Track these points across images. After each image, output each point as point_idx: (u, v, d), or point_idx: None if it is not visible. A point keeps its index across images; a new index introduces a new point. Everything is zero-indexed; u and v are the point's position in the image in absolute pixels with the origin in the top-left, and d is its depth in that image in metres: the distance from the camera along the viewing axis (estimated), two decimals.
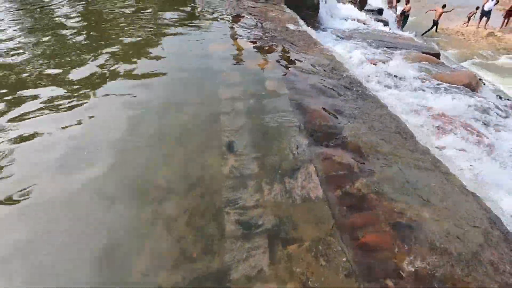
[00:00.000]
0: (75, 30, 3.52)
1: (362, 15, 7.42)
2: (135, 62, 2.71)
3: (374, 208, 1.46)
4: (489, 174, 2.52)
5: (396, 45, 5.46)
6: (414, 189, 1.62)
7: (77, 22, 3.85)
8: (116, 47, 3.03)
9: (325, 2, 6.12)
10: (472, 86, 4.47)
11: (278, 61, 2.83)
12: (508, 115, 3.89)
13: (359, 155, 1.79)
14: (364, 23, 6.89)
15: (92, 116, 2.03)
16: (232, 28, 3.58)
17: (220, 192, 1.52)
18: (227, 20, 3.85)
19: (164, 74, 2.55)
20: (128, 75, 2.50)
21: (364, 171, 1.68)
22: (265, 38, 3.36)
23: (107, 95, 2.28)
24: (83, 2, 4.74)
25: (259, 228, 1.34)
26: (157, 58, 2.80)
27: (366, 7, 9.24)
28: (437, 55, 5.49)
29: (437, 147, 2.75)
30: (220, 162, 1.68)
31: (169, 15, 4.02)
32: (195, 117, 2.04)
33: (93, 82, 2.43)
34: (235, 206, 1.44)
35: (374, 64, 4.41)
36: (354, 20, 6.75)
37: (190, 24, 3.69)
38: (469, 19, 12.28)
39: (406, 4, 11.98)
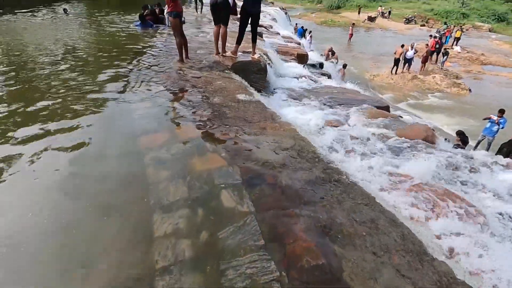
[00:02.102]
0: None
1: (306, 71, 7.60)
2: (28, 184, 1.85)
3: None
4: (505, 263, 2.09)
5: (347, 101, 5.43)
6: None
7: None
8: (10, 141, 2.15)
9: (271, 64, 6.05)
10: (430, 139, 4.43)
11: (233, 153, 2.22)
12: (474, 168, 3.79)
13: None
14: (310, 79, 6.98)
15: None
16: (172, 108, 2.96)
17: None
18: (165, 97, 3.25)
19: (68, 199, 1.72)
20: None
21: None
22: (215, 119, 2.80)
23: None
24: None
25: None
26: (62, 171, 1.97)
27: (307, 62, 9.71)
28: (387, 108, 5.58)
29: (437, 236, 2.29)
30: None
31: (94, 93, 3.28)
32: None
33: None
34: None
35: (333, 126, 4.13)
36: (301, 77, 6.80)
37: (118, 106, 2.99)
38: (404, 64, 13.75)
39: (331, 54, 13.31)
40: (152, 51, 5.40)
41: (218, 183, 1.86)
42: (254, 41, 5.01)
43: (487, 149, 8.14)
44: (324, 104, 5.08)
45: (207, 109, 2.99)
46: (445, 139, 5.76)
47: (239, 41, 4.94)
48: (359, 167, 3.12)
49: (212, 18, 4.84)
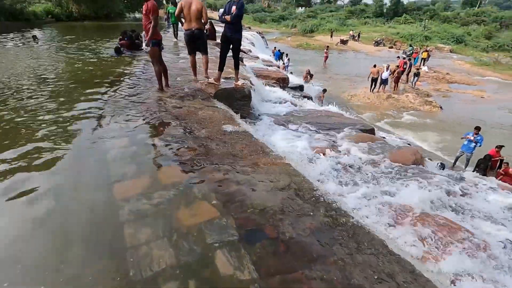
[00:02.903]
0: None
1: (289, 95, 7.58)
2: None
3: None
4: None
5: (334, 125, 5.38)
6: None
7: None
8: None
9: (254, 89, 5.95)
10: (419, 161, 4.41)
11: (225, 200, 1.96)
12: (466, 192, 3.75)
13: None
14: (294, 103, 6.95)
15: None
16: (153, 146, 2.66)
17: None
18: (145, 133, 2.96)
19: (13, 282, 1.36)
20: None
21: None
22: (201, 157, 2.54)
23: None
24: None
25: None
26: (10, 233, 1.61)
27: (288, 85, 9.78)
28: (372, 131, 5.58)
29: (452, 280, 2.11)
30: None
31: (62, 128, 2.93)
32: None
33: None
34: None
35: (323, 154, 3.99)
36: (284, 101, 6.74)
37: (90, 145, 2.66)
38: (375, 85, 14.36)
39: (309, 76, 13.58)
40: (130, 79, 5.12)
41: (211, 241, 1.58)
42: (236, 67, 4.90)
43: (466, 165, 8.37)
44: (311, 130, 4.98)
45: (192, 145, 2.73)
46: (439, 165, 5.74)
47: (221, 67, 4.81)
48: (359, 199, 2.96)
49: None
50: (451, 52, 27.55)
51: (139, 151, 2.56)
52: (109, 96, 4.08)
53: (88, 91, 4.33)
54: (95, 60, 6.89)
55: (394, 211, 2.82)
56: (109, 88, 4.49)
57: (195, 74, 5.09)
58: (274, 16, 47.70)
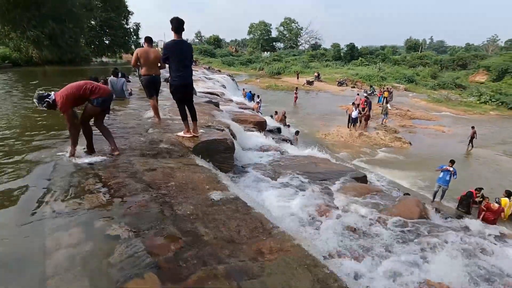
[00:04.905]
0: None
1: (270, 140, 7.19)
2: None
3: None
4: None
5: (325, 174, 4.95)
6: None
7: None
8: None
9: (235, 137, 5.45)
10: (424, 213, 4.02)
11: None
12: (486, 250, 3.36)
13: None
14: (276, 149, 6.51)
15: None
16: (115, 240, 1.90)
17: None
18: (105, 216, 2.19)
19: None
20: None
21: None
22: (186, 251, 1.83)
23: None
24: None
25: None
26: None
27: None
28: (364, 178, 5.23)
29: None
30: None
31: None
32: None
33: None
34: None
35: (325, 215, 3.45)
36: (266, 149, 6.29)
37: (20, 244, 1.85)
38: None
39: (278, 115, 13.44)
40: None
41: None
42: (194, 119, 4.17)
43: (441, 197, 8.41)
44: (303, 182, 4.47)
45: (173, 232, 2.02)
46: (437, 211, 5.41)
47: (194, 117, 4.18)
48: (385, 279, 2.37)
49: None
50: (406, 90, 30.16)
51: (95, 251, 1.79)
52: (59, 159, 3.28)
53: (32, 154, 3.48)
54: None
55: None
56: (63, 144, 3.69)
57: (158, 117, 5.14)
58: (242, 60, 49.94)
